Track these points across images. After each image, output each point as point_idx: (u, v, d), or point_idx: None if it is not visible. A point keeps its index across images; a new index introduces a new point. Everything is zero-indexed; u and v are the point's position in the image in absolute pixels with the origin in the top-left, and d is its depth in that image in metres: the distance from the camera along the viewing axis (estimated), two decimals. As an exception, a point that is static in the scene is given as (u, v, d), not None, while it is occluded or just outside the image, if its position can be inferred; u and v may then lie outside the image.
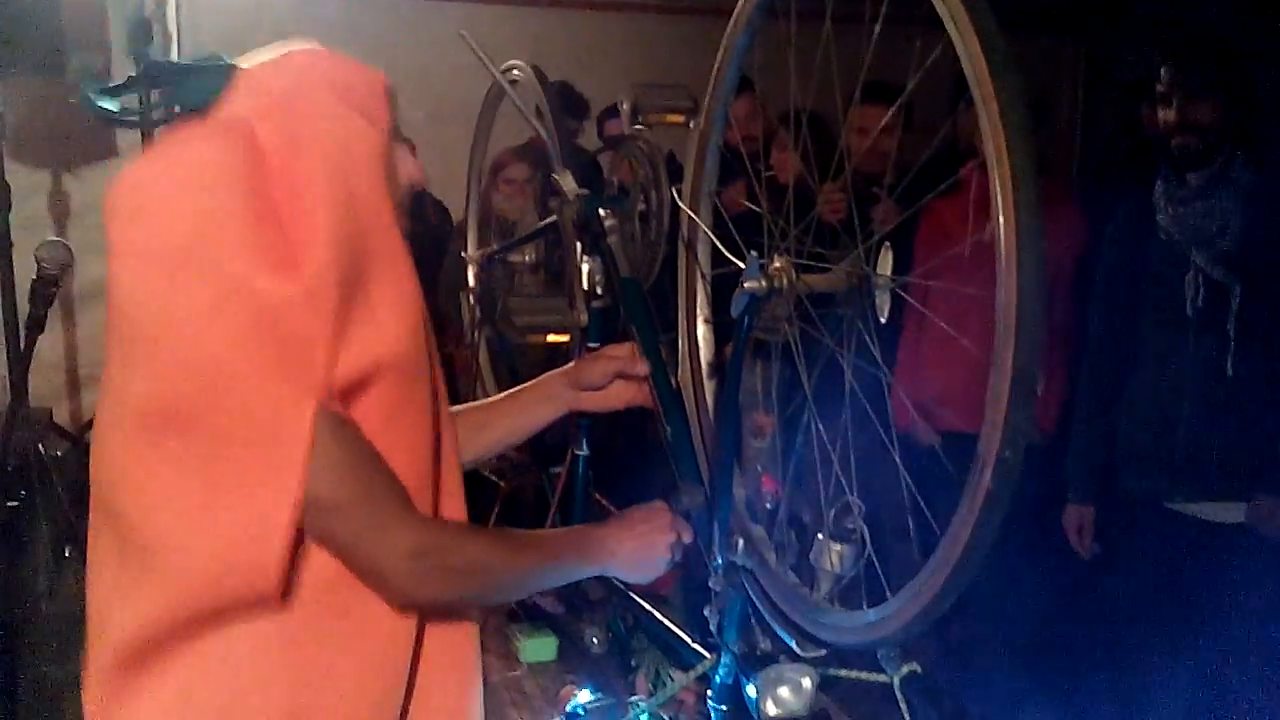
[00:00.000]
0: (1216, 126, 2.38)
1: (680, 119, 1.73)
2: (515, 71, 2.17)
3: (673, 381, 1.65)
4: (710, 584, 1.51)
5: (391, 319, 1.17)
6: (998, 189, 1.03)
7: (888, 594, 1.23)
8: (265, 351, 1.08)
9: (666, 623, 1.75)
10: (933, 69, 1.19)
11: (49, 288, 3.06)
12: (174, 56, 3.89)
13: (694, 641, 1.65)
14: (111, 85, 1.27)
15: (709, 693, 1.54)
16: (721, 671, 1.52)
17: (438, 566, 1.20)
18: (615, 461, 2.12)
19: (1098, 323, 2.70)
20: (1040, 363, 1.03)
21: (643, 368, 1.61)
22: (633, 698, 1.69)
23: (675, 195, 1.66)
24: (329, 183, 1.13)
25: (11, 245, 3.61)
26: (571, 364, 1.66)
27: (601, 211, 1.78)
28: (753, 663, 1.46)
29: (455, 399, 1.55)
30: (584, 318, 1.85)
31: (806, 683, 1.42)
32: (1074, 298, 2.85)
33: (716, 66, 1.60)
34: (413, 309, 1.20)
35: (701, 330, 1.71)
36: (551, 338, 1.95)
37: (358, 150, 1.17)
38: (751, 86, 2.47)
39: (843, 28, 1.36)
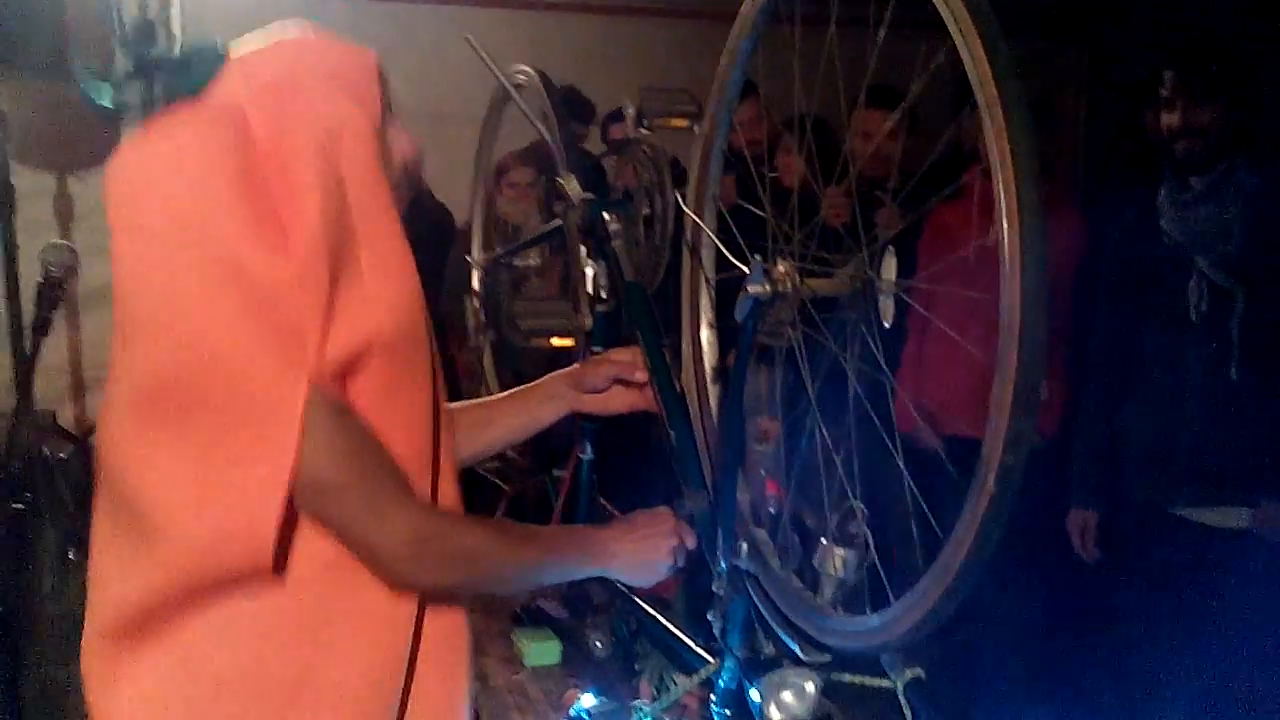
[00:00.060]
0: (1220, 130, 2.39)
1: (684, 123, 1.73)
2: (520, 76, 2.17)
3: (676, 386, 1.65)
4: (714, 588, 1.51)
5: (385, 298, 1.19)
6: (1001, 193, 1.03)
7: (891, 599, 1.22)
8: (258, 329, 1.10)
9: (670, 627, 1.75)
10: (937, 73, 1.19)
11: (54, 290, 3.06)
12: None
13: (697, 646, 1.65)
14: (112, 79, 1.29)
15: (712, 697, 1.54)
16: (725, 676, 1.51)
17: (435, 552, 1.21)
18: (619, 466, 2.12)
19: (1101, 327, 2.70)
20: (1043, 368, 1.03)
21: (642, 375, 1.62)
22: (636, 702, 1.68)
23: (679, 200, 1.66)
24: (318, 165, 1.15)
25: (16, 248, 3.61)
26: (575, 365, 1.66)
27: (606, 216, 1.78)
28: (756, 667, 1.46)
29: (460, 401, 1.56)
30: (588, 322, 1.85)
31: (810, 687, 1.41)
32: (1077, 302, 2.85)
33: (720, 71, 1.60)
34: (408, 288, 1.22)
35: (705, 334, 1.71)
36: (556, 342, 1.96)
37: (348, 133, 1.19)
38: (756, 91, 2.48)
39: (846, 32, 1.37)
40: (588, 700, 1.73)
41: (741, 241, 1.47)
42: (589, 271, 1.83)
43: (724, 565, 1.48)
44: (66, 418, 4.12)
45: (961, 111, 1.23)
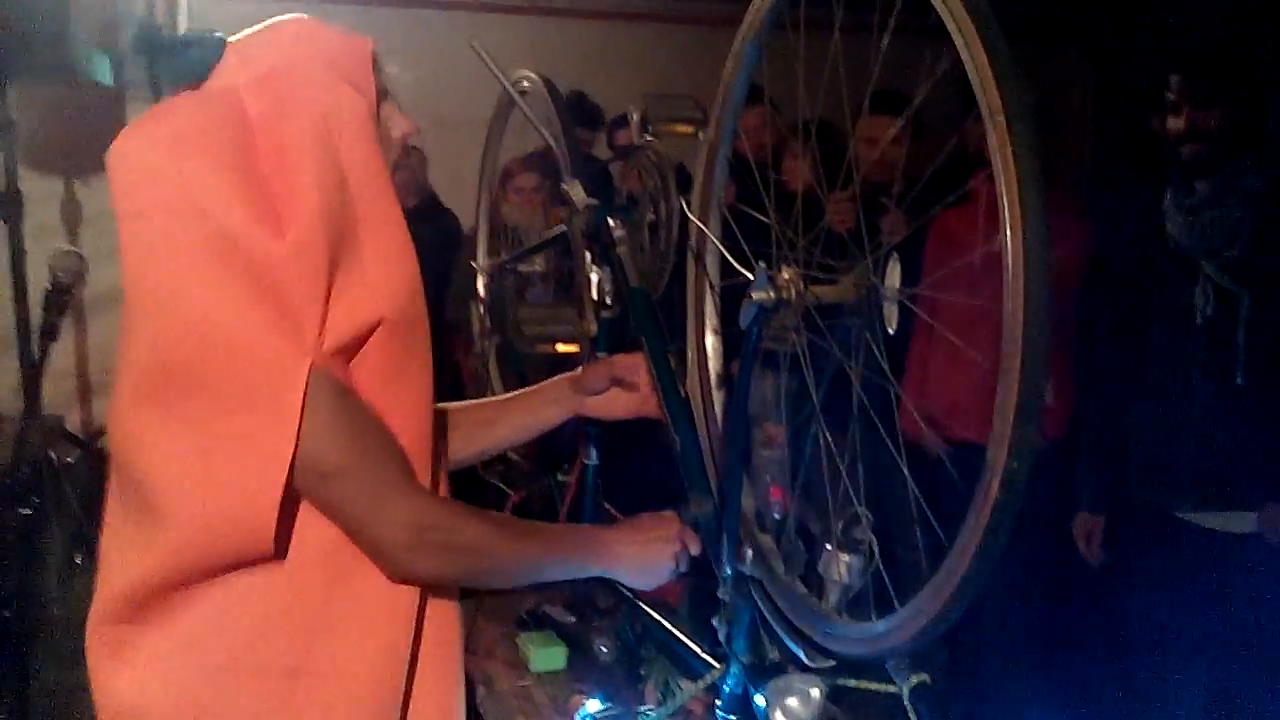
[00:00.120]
0: (1225, 134, 2.38)
1: (689, 130, 1.73)
2: (525, 82, 2.17)
3: (681, 391, 1.65)
4: (719, 594, 1.51)
5: (385, 279, 1.20)
6: (1004, 199, 1.03)
7: (896, 604, 1.23)
8: (259, 311, 1.12)
9: (675, 632, 1.75)
10: (942, 78, 1.19)
11: (62, 297, 3.09)
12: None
13: (703, 651, 1.65)
14: (113, 54, 1.31)
15: (718, 703, 1.54)
16: (730, 681, 1.51)
17: (435, 543, 1.22)
18: (625, 470, 2.12)
19: (1106, 330, 2.70)
20: (1047, 374, 1.03)
21: (642, 377, 1.62)
22: (642, 707, 1.69)
23: (684, 206, 1.66)
24: (315, 149, 1.16)
25: (24, 252, 3.62)
26: (579, 369, 1.67)
27: (610, 221, 1.78)
28: (761, 673, 1.46)
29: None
30: (593, 328, 1.85)
31: (815, 693, 1.41)
32: (1083, 305, 2.84)
33: (725, 77, 1.60)
34: (407, 269, 1.23)
35: (710, 340, 1.71)
36: (561, 347, 1.96)
37: (344, 116, 1.20)
38: (761, 97, 2.47)
39: (851, 37, 1.37)
40: (593, 705, 1.73)
41: (746, 248, 1.47)
42: (593, 277, 1.83)
43: (729, 571, 1.48)
44: (74, 422, 4.14)
45: (967, 116, 1.23)
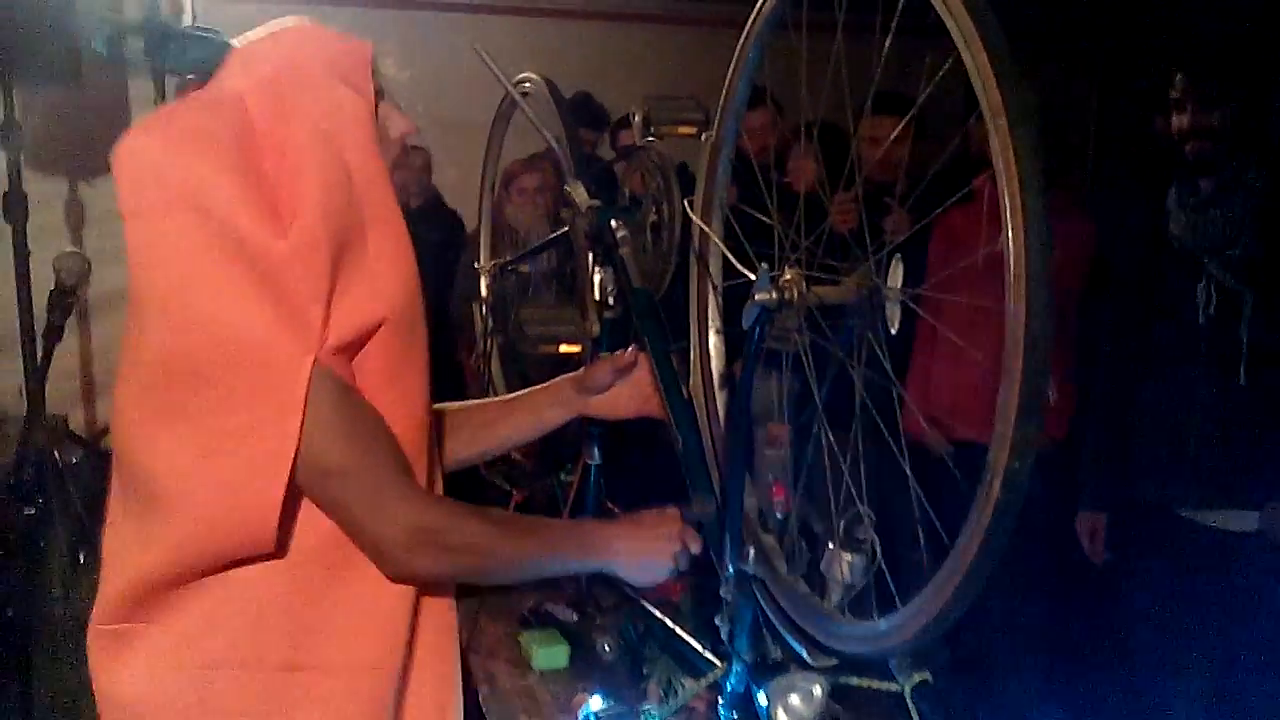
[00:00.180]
0: (1229, 133, 2.38)
1: (692, 131, 1.74)
2: (527, 84, 2.18)
3: (684, 392, 1.65)
4: (721, 593, 1.52)
5: (387, 277, 1.21)
6: (1005, 199, 1.03)
7: (898, 603, 1.23)
8: (263, 309, 1.12)
9: (678, 630, 1.76)
10: (944, 79, 1.20)
11: (66, 298, 3.10)
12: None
13: (705, 650, 1.65)
14: (113, 28, 1.31)
15: (720, 701, 1.55)
16: (733, 680, 1.52)
17: (434, 543, 1.23)
18: (627, 471, 2.12)
19: (1110, 330, 2.70)
20: (1049, 374, 1.03)
21: (642, 367, 1.62)
22: (644, 705, 1.69)
23: (687, 207, 1.66)
24: (316, 150, 1.17)
25: (29, 253, 3.63)
26: (582, 369, 1.67)
27: (613, 222, 1.78)
28: (764, 671, 1.47)
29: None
30: (596, 328, 1.86)
31: (817, 691, 1.42)
32: (1086, 304, 2.84)
33: (728, 79, 1.60)
34: (407, 268, 1.25)
35: (713, 341, 1.71)
36: (564, 348, 1.96)
37: (345, 118, 1.22)
38: (764, 98, 2.48)
39: (853, 38, 1.37)
40: (596, 703, 1.73)
41: (748, 248, 1.47)
42: (597, 278, 1.84)
43: (731, 570, 1.49)
44: (78, 423, 4.14)
45: (970, 117, 1.23)
